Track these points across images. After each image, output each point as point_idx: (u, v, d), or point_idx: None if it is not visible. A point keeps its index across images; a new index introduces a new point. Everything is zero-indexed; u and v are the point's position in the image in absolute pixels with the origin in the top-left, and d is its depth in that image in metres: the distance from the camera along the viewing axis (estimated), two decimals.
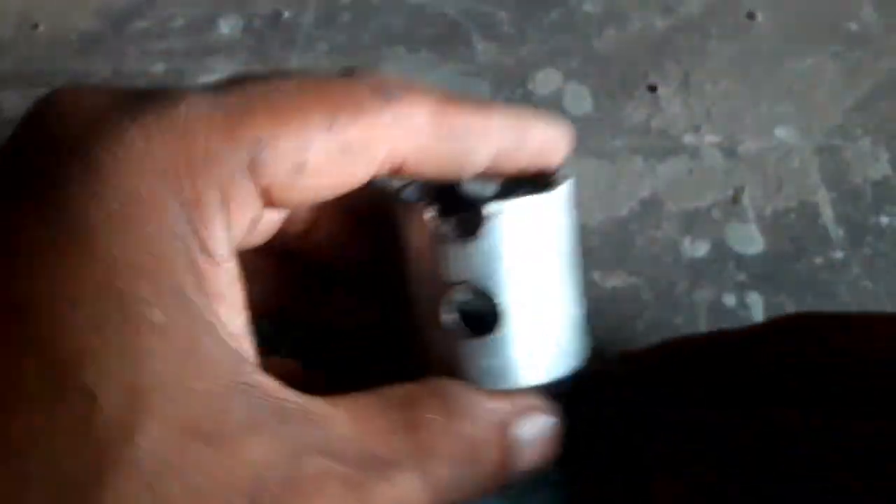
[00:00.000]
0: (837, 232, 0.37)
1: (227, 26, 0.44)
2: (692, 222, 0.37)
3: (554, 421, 0.24)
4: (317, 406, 0.19)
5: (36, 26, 0.44)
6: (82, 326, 0.16)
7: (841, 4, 0.43)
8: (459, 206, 0.27)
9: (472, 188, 0.26)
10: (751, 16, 0.43)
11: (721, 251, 0.36)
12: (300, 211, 0.26)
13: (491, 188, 0.26)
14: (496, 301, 0.24)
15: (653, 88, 0.41)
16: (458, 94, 0.23)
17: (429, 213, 0.23)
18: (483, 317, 0.24)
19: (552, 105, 0.40)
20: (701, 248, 0.36)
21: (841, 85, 0.41)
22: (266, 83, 0.20)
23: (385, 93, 0.21)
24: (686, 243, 0.36)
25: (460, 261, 0.23)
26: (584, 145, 0.39)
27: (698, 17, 0.43)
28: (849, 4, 0.43)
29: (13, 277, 0.16)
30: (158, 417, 0.16)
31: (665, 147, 0.39)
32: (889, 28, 0.43)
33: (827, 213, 0.37)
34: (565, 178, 0.25)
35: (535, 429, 0.23)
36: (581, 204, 0.27)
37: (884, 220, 0.37)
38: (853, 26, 0.43)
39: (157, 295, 0.17)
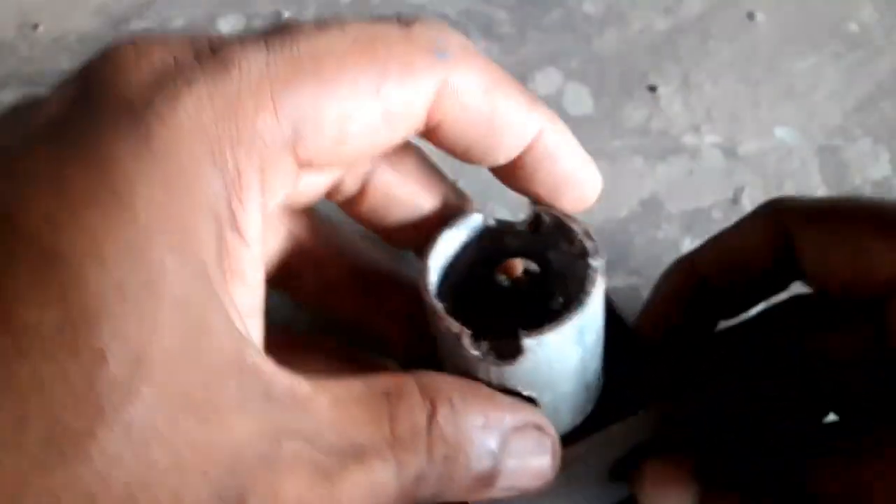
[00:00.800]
0: None
1: (227, 26, 0.44)
2: (692, 222, 0.37)
3: (552, 442, 0.23)
4: (303, 390, 0.19)
5: (36, 26, 0.44)
6: (106, 288, 0.16)
7: (841, 4, 0.43)
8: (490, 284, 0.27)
9: (504, 232, 0.25)
10: (751, 16, 0.43)
11: None
12: (349, 180, 0.25)
13: (519, 237, 0.26)
14: (529, 397, 0.24)
15: (653, 88, 0.41)
16: (509, 75, 0.23)
17: (466, 338, 0.22)
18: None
19: (552, 105, 0.40)
20: None
21: (841, 85, 0.41)
22: (317, 39, 0.20)
23: (440, 51, 0.21)
24: (686, 243, 0.36)
25: (495, 375, 0.23)
26: (584, 145, 0.39)
27: (698, 18, 0.43)
28: (849, 4, 0.43)
29: (55, 229, 0.16)
30: (158, 386, 0.16)
31: (665, 147, 0.39)
32: (889, 28, 0.43)
33: None
34: (597, 266, 0.24)
35: (530, 448, 0.23)
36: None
37: None
38: (853, 26, 0.43)
39: (182, 268, 0.17)
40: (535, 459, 0.23)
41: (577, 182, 0.24)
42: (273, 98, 0.19)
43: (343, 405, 0.20)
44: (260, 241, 0.20)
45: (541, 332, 0.22)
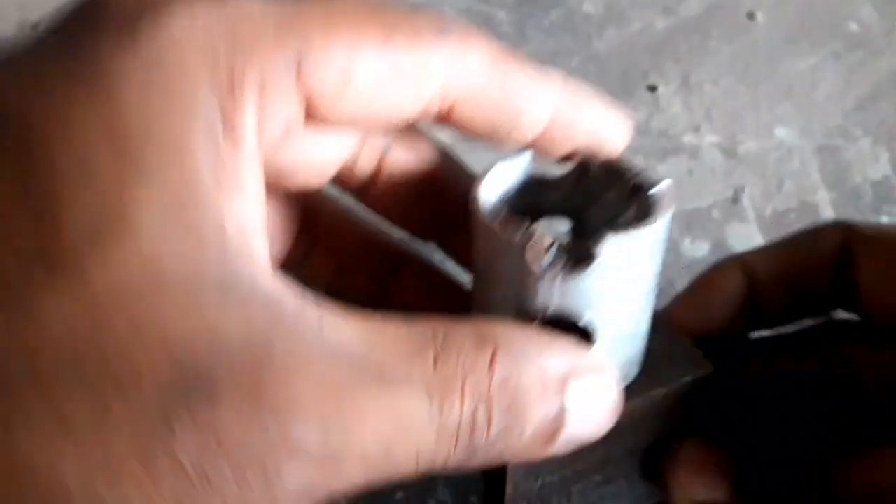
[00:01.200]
0: None
1: None
2: (692, 222, 0.37)
3: (614, 388, 0.21)
4: (323, 315, 0.17)
5: (36, 26, 0.44)
6: (71, 162, 0.16)
7: (841, 4, 0.43)
8: (541, 211, 0.24)
9: (548, 180, 0.23)
10: (751, 16, 0.43)
11: (721, 251, 0.36)
12: (363, 158, 0.24)
13: (563, 187, 0.24)
14: (586, 323, 0.22)
15: (653, 88, 0.41)
16: (517, 52, 0.22)
17: (532, 245, 0.20)
18: (566, 330, 0.21)
19: None
20: (701, 248, 0.36)
21: (841, 85, 0.41)
22: None
23: (445, 28, 0.20)
24: (686, 243, 0.36)
25: (557, 295, 0.21)
26: None
27: (698, 17, 0.43)
28: (849, 4, 0.43)
29: (28, 109, 0.17)
30: (122, 261, 0.16)
31: (665, 147, 0.39)
32: (889, 28, 0.43)
33: (827, 213, 0.37)
34: (662, 189, 0.22)
35: (593, 393, 0.20)
36: None
37: (884, 219, 0.37)
38: (853, 26, 0.43)
39: (161, 156, 0.17)
40: (598, 406, 0.21)
41: (610, 130, 0.23)
42: (277, 21, 0.18)
43: (378, 333, 0.18)
44: (258, 153, 0.19)
45: (625, 232, 0.20)
